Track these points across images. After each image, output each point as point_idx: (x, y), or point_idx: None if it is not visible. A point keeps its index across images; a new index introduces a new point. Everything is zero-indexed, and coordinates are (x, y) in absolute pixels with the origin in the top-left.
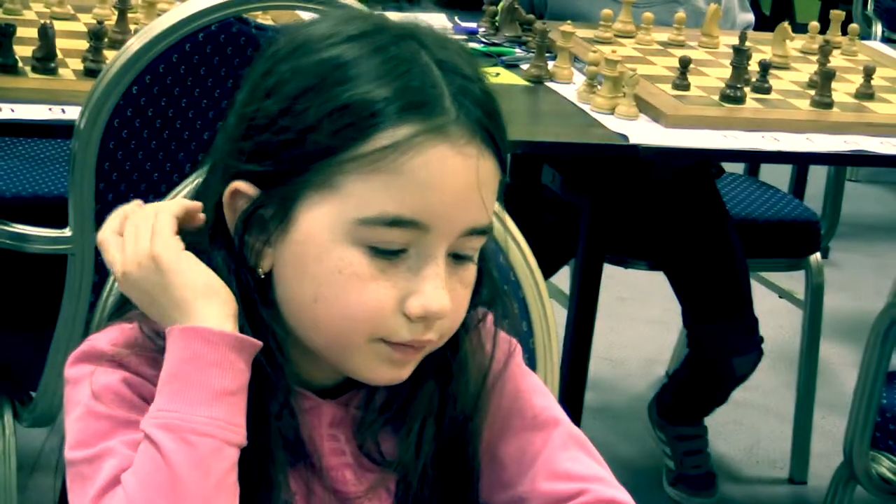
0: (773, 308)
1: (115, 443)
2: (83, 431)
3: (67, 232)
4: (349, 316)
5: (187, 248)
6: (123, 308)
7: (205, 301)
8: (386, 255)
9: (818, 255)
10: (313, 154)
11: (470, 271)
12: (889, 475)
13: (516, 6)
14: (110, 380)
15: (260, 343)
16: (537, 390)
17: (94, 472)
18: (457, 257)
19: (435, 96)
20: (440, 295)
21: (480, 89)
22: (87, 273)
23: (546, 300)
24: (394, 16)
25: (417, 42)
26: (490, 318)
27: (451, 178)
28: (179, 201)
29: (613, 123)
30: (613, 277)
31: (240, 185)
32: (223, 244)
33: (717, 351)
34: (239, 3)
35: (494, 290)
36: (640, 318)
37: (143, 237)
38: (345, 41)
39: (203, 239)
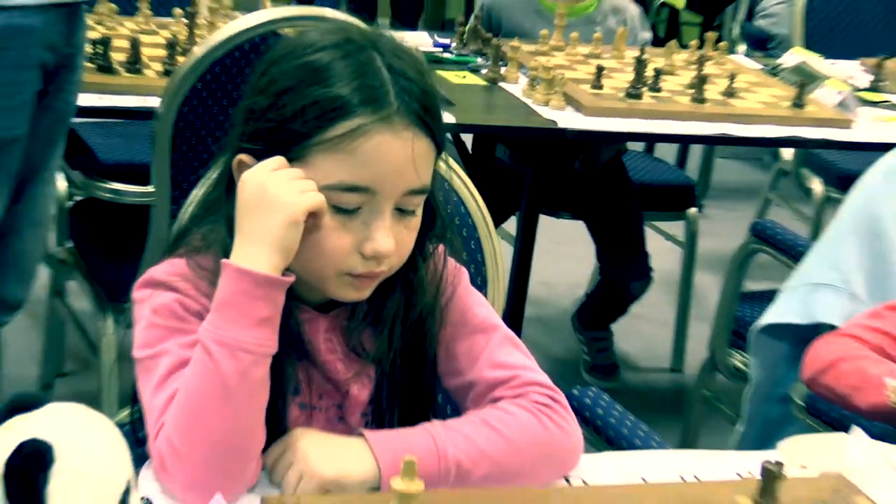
0: (662, 247)
1: (169, 345)
2: (146, 338)
3: (151, 189)
4: (320, 257)
5: (209, 205)
6: (174, 247)
7: (268, 248)
8: (344, 212)
9: (695, 209)
10: (291, 138)
11: (414, 220)
12: (740, 366)
13: (479, 27)
14: (165, 300)
15: (290, 279)
16: (480, 303)
17: (155, 367)
18: (401, 211)
19: (383, 94)
20: (386, 241)
21: (420, 88)
22: (164, 218)
23: (496, 240)
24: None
25: (377, 51)
26: (442, 248)
27: (391, 155)
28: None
29: (547, 113)
30: (546, 225)
31: (242, 157)
32: (233, 199)
33: (620, 277)
34: (272, 22)
35: (445, 229)
36: (567, 255)
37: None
38: (321, 49)
39: (221, 195)
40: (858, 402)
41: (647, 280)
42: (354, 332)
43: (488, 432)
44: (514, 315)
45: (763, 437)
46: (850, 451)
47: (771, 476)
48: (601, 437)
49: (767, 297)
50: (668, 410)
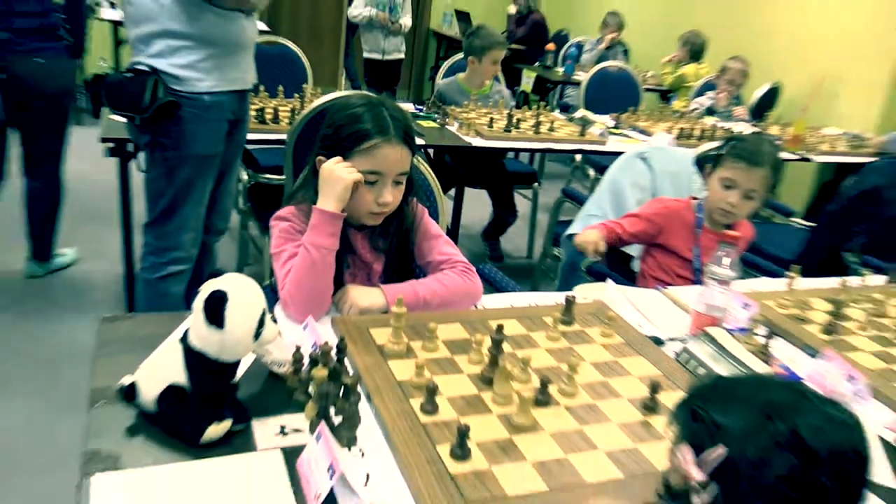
0: (522, 202)
1: (287, 246)
2: (276, 243)
3: (283, 177)
4: (358, 205)
5: (304, 182)
6: (289, 201)
7: (333, 200)
8: (369, 184)
9: (536, 183)
10: (343, 148)
11: (401, 186)
12: (557, 255)
13: (435, 101)
14: (284, 225)
15: (344, 215)
16: (434, 225)
17: (280, 257)
18: (396, 182)
19: (387, 127)
20: (388, 197)
21: (405, 125)
22: (289, 190)
23: (442, 198)
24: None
25: (384, 107)
26: (415, 200)
27: (391, 157)
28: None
29: (467, 139)
30: (469, 192)
31: (320, 157)
32: (317, 178)
33: (503, 216)
34: (332, 99)
35: (417, 192)
36: (477, 206)
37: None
38: (357, 106)
39: (309, 175)
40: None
41: (515, 217)
42: (374, 238)
43: (439, 284)
44: (452, 233)
45: (567, 287)
46: (606, 290)
47: (569, 302)
48: (493, 286)
49: (567, 223)
50: (525, 276)
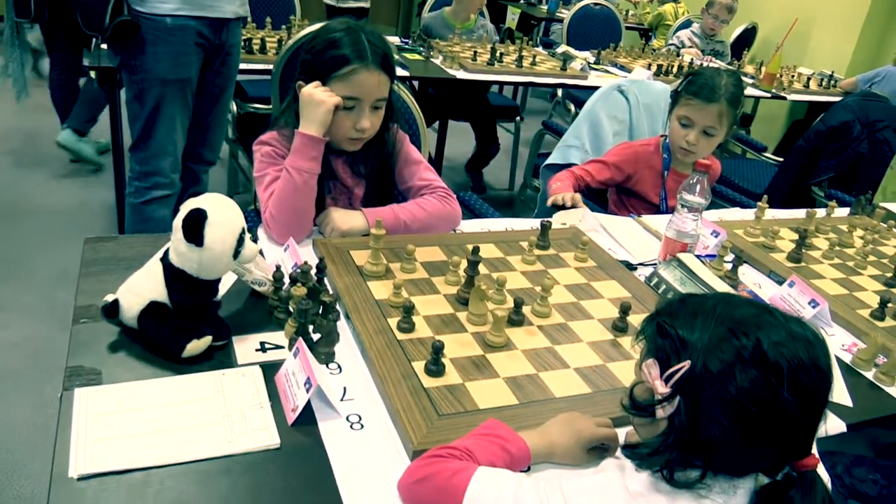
0: (504, 135)
1: (269, 170)
2: (259, 167)
3: (270, 106)
4: (337, 129)
5: (286, 107)
6: (271, 126)
7: (314, 124)
8: (347, 109)
9: (518, 117)
10: (323, 73)
11: (380, 112)
12: (537, 185)
13: (421, 34)
14: (267, 149)
15: (326, 139)
16: (415, 151)
17: (263, 180)
18: (374, 107)
19: (364, 52)
20: (366, 122)
21: (383, 50)
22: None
23: (425, 129)
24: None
25: (363, 33)
26: (396, 126)
27: (368, 82)
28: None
29: (451, 71)
30: (452, 124)
31: (300, 82)
32: (297, 102)
33: (485, 148)
34: (315, 30)
35: (397, 118)
36: (461, 138)
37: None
38: (336, 31)
39: (291, 101)
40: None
41: (497, 149)
42: (355, 163)
43: (418, 208)
44: (436, 165)
45: (545, 216)
46: (583, 218)
47: (545, 227)
48: (474, 213)
49: (547, 154)
50: (506, 207)
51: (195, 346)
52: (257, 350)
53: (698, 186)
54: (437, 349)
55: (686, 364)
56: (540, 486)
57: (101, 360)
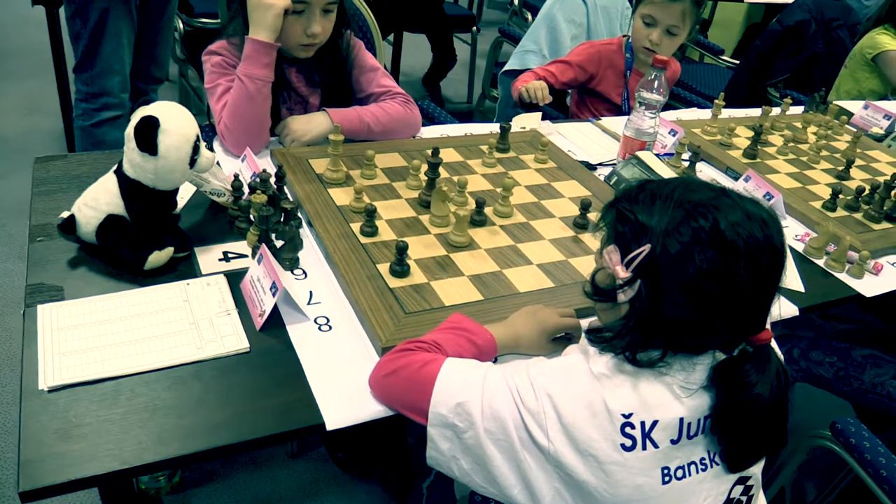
0: (461, 46)
1: (221, 80)
2: (210, 78)
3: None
4: (288, 35)
5: (233, 13)
6: (220, 36)
7: (264, 29)
8: (297, 13)
9: (475, 27)
10: None
11: (332, 16)
12: (495, 95)
13: None
14: (217, 59)
15: (278, 45)
16: (371, 57)
17: (215, 91)
18: (325, 11)
19: None
20: (317, 27)
21: None
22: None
23: (379, 39)
24: None
25: None
26: (349, 32)
27: None
28: None
29: None
30: (409, 38)
31: None
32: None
33: (442, 61)
34: None
35: (349, 23)
36: (417, 50)
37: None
38: None
39: (238, 7)
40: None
41: (454, 61)
42: (309, 72)
43: (381, 112)
44: (394, 73)
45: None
46: (540, 120)
47: (504, 129)
48: (433, 121)
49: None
50: (465, 119)
51: (157, 258)
52: (220, 260)
53: (656, 83)
54: (402, 249)
55: (646, 248)
56: (507, 371)
57: (61, 276)
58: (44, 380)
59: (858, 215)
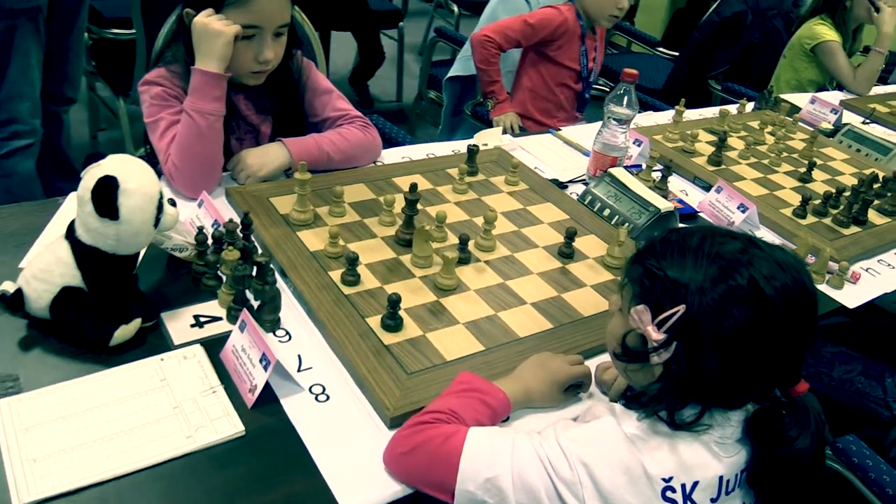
0: (388, 42)
1: (164, 114)
2: (150, 112)
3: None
4: (238, 63)
5: (171, 37)
6: (156, 62)
7: (213, 59)
8: (246, 38)
9: (402, 23)
10: (215, 1)
11: (283, 39)
12: (434, 98)
13: None
14: (157, 90)
15: (229, 75)
16: (323, 79)
17: (157, 127)
18: (277, 34)
19: None
20: (269, 53)
21: None
22: (142, 48)
23: (320, 49)
24: None
25: None
26: (300, 53)
27: (269, 7)
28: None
29: None
30: (335, 37)
31: (188, 10)
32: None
33: (369, 58)
34: None
35: (301, 44)
36: (344, 50)
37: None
38: None
39: (178, 32)
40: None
41: (383, 59)
42: (259, 98)
43: (340, 138)
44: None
45: (451, 133)
46: (501, 136)
47: (473, 151)
48: (384, 137)
49: (441, 63)
50: (399, 121)
51: (124, 332)
52: (193, 326)
53: (626, 98)
54: (394, 303)
55: (681, 308)
56: (535, 441)
57: (14, 362)
58: (17, 496)
59: (827, 220)
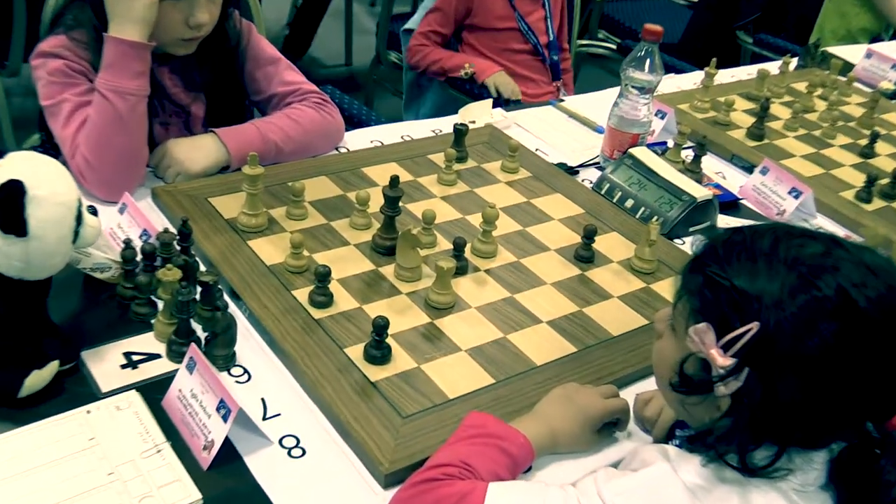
0: None
1: (66, 95)
2: (48, 92)
3: None
4: (164, 29)
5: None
6: (52, 28)
7: (133, 24)
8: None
9: None
10: None
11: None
12: (395, 61)
13: None
14: (56, 65)
15: (154, 43)
16: (267, 45)
17: (59, 111)
18: None
19: None
20: (203, 15)
21: None
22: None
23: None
24: None
25: None
26: (237, 14)
27: None
28: None
29: None
30: None
31: None
32: None
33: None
34: None
35: (237, 1)
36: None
37: None
38: None
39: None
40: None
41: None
42: (188, 71)
43: (291, 122)
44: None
45: (417, 101)
46: (492, 111)
47: (460, 132)
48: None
49: (401, 17)
50: (351, 89)
51: (37, 379)
52: (124, 367)
53: (648, 61)
54: (380, 328)
55: (753, 326)
56: (571, 496)
57: None
58: None
59: None
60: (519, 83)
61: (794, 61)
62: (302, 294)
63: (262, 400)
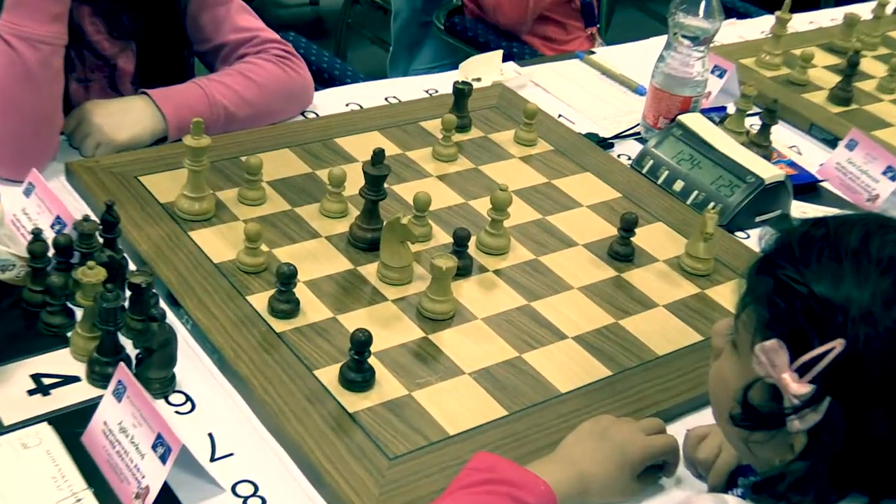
0: None
1: None
2: None
3: None
4: None
5: None
6: None
7: None
8: None
9: None
10: None
11: None
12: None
13: None
14: None
15: None
16: None
17: None
18: None
19: None
20: None
21: None
22: None
23: None
24: None
25: None
26: None
27: None
28: None
29: None
30: None
31: None
32: None
33: None
34: None
35: None
36: None
37: None
38: None
39: None
40: None
41: None
42: (114, 15)
43: (245, 81)
44: None
45: (409, 54)
46: (502, 65)
47: (462, 92)
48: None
49: None
50: (320, 36)
51: None
52: (32, 392)
53: (703, 3)
54: (361, 343)
55: (837, 344)
56: None
57: None
58: None
59: None
60: (542, 26)
61: (894, 2)
62: (260, 300)
63: (210, 436)
